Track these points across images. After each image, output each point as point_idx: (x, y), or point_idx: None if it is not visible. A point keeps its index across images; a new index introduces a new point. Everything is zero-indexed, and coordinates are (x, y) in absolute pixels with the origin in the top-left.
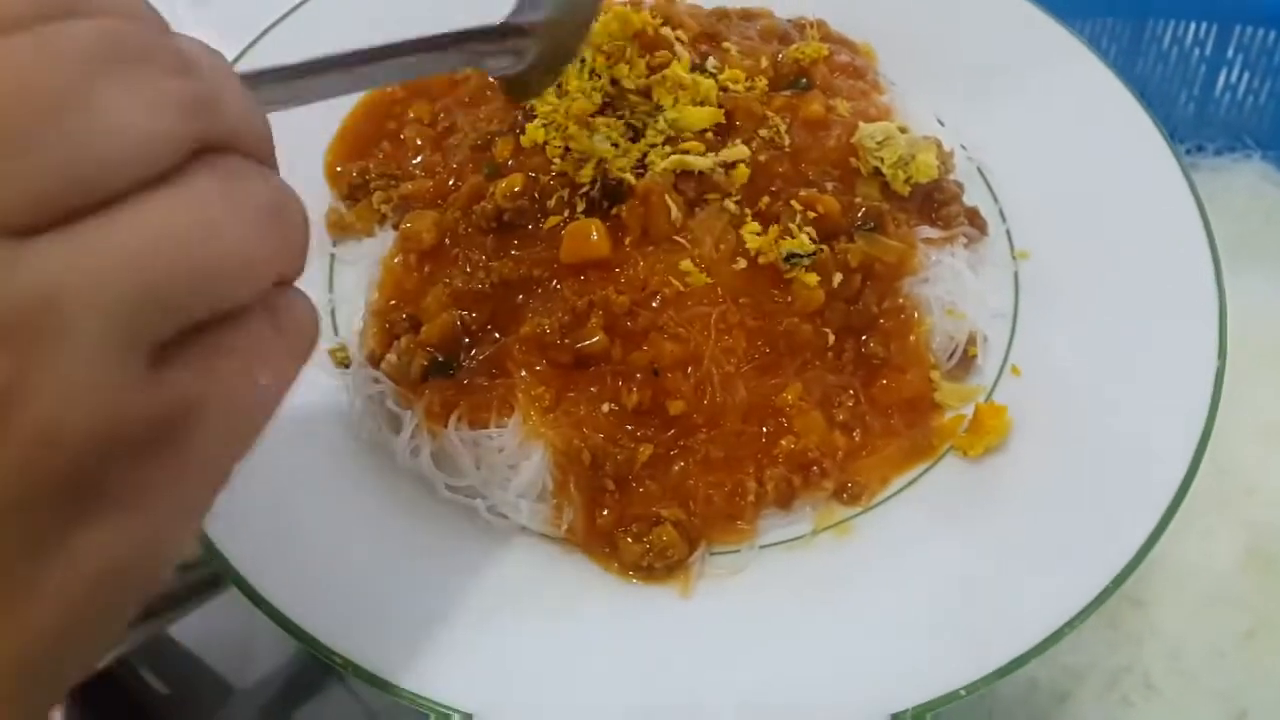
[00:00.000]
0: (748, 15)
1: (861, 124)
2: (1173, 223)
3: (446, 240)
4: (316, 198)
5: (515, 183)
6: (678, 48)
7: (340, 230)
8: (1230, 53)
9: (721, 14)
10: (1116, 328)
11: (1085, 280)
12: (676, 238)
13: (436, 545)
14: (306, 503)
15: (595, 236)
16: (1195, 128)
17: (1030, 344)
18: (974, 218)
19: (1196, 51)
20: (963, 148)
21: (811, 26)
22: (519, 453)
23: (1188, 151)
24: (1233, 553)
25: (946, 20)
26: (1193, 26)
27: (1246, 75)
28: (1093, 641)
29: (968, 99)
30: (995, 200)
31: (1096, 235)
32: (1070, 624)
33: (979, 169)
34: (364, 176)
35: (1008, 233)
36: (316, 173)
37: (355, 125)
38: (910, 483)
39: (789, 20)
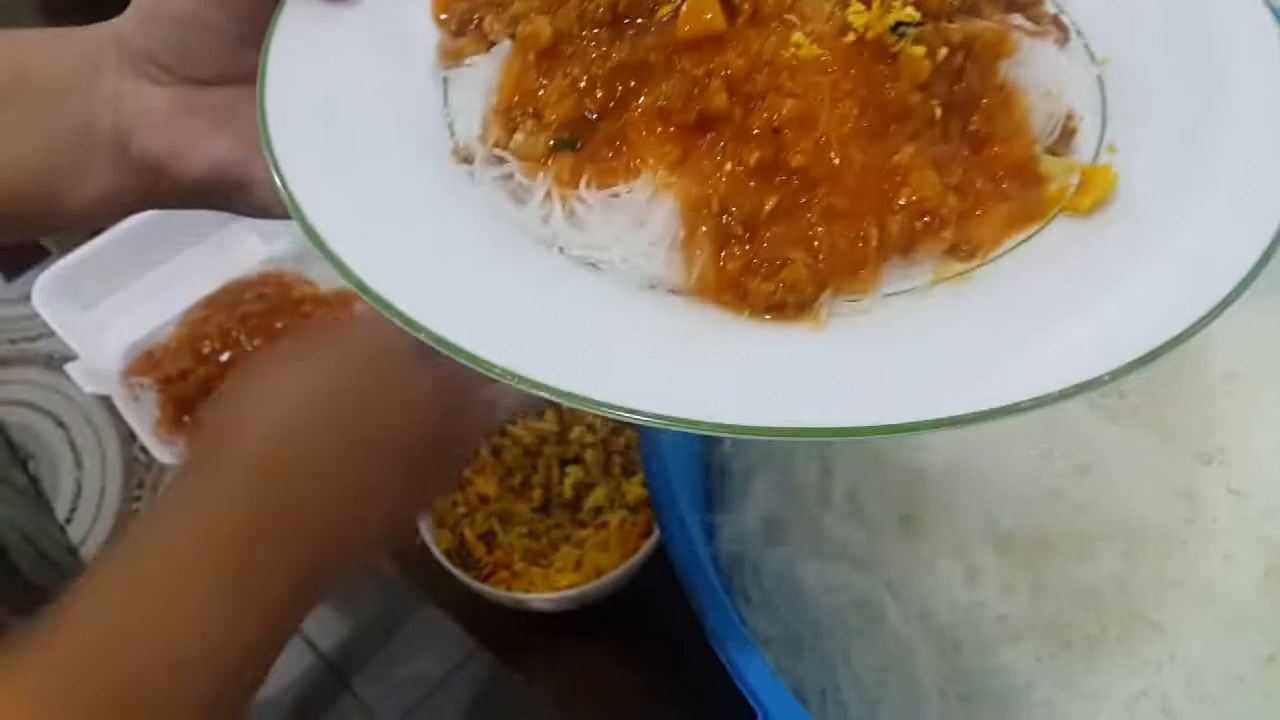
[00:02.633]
0: None
1: None
2: (1250, 32)
3: (563, 42)
4: (429, 38)
5: None
6: None
7: (453, 56)
8: None
9: None
10: (1203, 120)
11: (1167, 84)
12: (787, 16)
13: (574, 296)
14: (449, 261)
15: (710, 13)
16: None
17: (1122, 129)
18: (1057, 22)
19: None
20: None
21: None
22: (649, 205)
23: None
24: (1253, 575)
25: None
26: None
27: None
28: (1109, 666)
29: None
30: (1070, 19)
31: (1174, 49)
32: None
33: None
34: (473, 9)
35: (1086, 46)
36: (425, 15)
37: None
38: (1023, 241)
39: None
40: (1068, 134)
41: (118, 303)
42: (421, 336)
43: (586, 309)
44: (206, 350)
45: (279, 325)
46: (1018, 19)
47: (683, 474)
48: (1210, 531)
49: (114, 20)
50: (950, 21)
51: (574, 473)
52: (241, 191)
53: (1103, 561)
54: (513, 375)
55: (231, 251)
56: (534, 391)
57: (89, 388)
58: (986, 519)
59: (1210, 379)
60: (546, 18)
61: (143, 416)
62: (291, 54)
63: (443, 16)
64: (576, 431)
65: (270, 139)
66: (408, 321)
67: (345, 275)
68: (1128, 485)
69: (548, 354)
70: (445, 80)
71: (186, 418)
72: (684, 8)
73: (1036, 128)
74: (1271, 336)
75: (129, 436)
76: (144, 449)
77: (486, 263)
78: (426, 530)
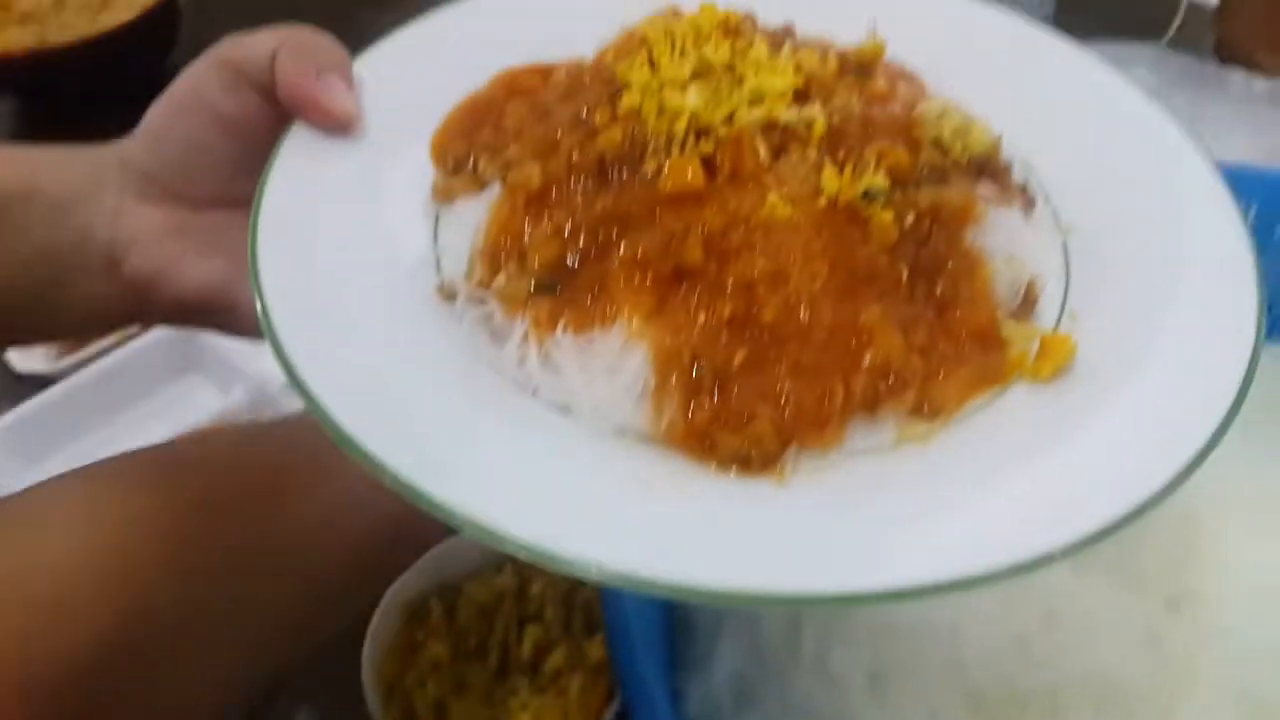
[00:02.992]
0: (809, 38)
1: (921, 101)
2: (1211, 209)
3: (551, 189)
4: (424, 175)
5: (615, 133)
6: (757, 38)
7: (446, 195)
8: None
9: (788, 27)
10: (1166, 280)
11: (1129, 254)
12: (764, 178)
13: (543, 441)
14: (421, 402)
15: (692, 171)
16: None
17: (1084, 296)
18: (1024, 190)
19: None
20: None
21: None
22: (621, 354)
23: None
24: None
25: (966, 49)
26: None
27: None
28: None
29: (999, 113)
30: (1040, 186)
31: (1137, 220)
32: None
33: (1022, 162)
34: (469, 151)
35: (1054, 212)
36: (424, 154)
37: (459, 117)
38: (985, 404)
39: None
40: (1030, 300)
41: (65, 460)
42: (385, 481)
43: (554, 456)
44: None
45: None
46: (985, 188)
47: (646, 632)
48: (1184, 682)
49: (123, 140)
50: (919, 188)
51: (533, 632)
52: (229, 314)
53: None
54: (473, 525)
55: (185, 403)
56: (492, 544)
57: None
58: (956, 672)
59: (1175, 519)
60: (537, 164)
61: None
62: (288, 184)
63: (441, 155)
64: (537, 586)
65: (258, 268)
66: (368, 459)
67: (312, 407)
68: (1095, 636)
69: (509, 503)
70: (437, 217)
71: None
72: (667, 165)
73: (1000, 293)
74: (1233, 475)
75: None
76: None
77: (456, 404)
78: (373, 699)
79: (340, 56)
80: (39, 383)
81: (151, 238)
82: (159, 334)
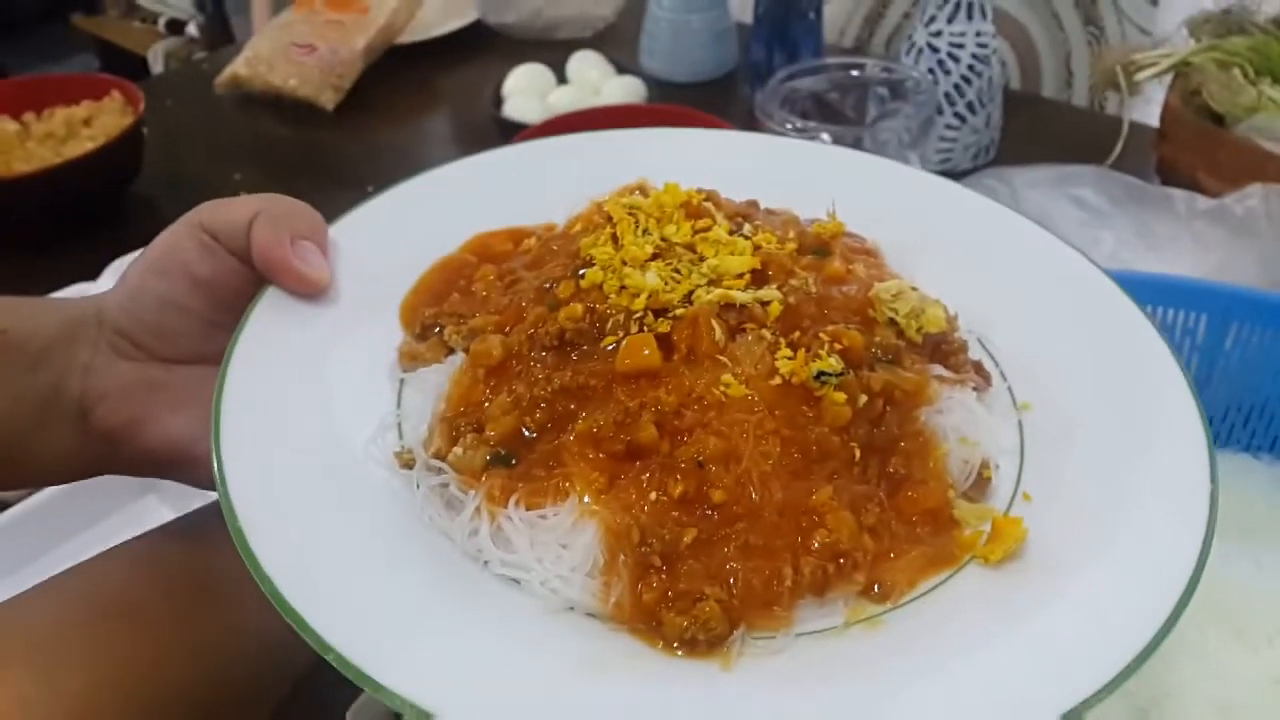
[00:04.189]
0: (771, 211)
1: (877, 282)
2: (1157, 380)
3: (512, 360)
4: (392, 340)
5: (576, 309)
6: (718, 217)
7: (412, 360)
8: None
9: (751, 203)
10: (1117, 460)
11: (1085, 433)
12: (719, 357)
13: (488, 618)
14: (370, 576)
15: (649, 349)
16: None
17: (1038, 476)
18: (979, 369)
19: None
20: (960, 315)
21: (829, 215)
22: (572, 530)
23: None
24: None
25: (930, 224)
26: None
27: None
28: None
29: (958, 287)
30: (995, 363)
31: (1088, 389)
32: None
33: (978, 340)
34: (436, 317)
35: (1009, 389)
36: (393, 320)
37: (429, 281)
38: (935, 586)
39: (808, 220)
40: (983, 481)
41: (24, 579)
42: (329, 658)
43: (500, 635)
44: None
45: None
46: (939, 369)
47: None
48: None
49: (99, 294)
50: (873, 369)
51: None
52: (196, 468)
53: None
54: (416, 710)
55: (142, 524)
56: None
57: None
58: None
59: None
60: (500, 336)
61: None
62: (258, 346)
63: (412, 314)
64: None
65: (219, 428)
66: (312, 636)
67: (260, 580)
68: None
69: (452, 686)
70: (402, 381)
71: None
72: (624, 343)
73: (953, 473)
74: (1210, 581)
75: None
76: None
77: (405, 580)
78: None
79: (316, 223)
80: None
81: (122, 392)
82: None
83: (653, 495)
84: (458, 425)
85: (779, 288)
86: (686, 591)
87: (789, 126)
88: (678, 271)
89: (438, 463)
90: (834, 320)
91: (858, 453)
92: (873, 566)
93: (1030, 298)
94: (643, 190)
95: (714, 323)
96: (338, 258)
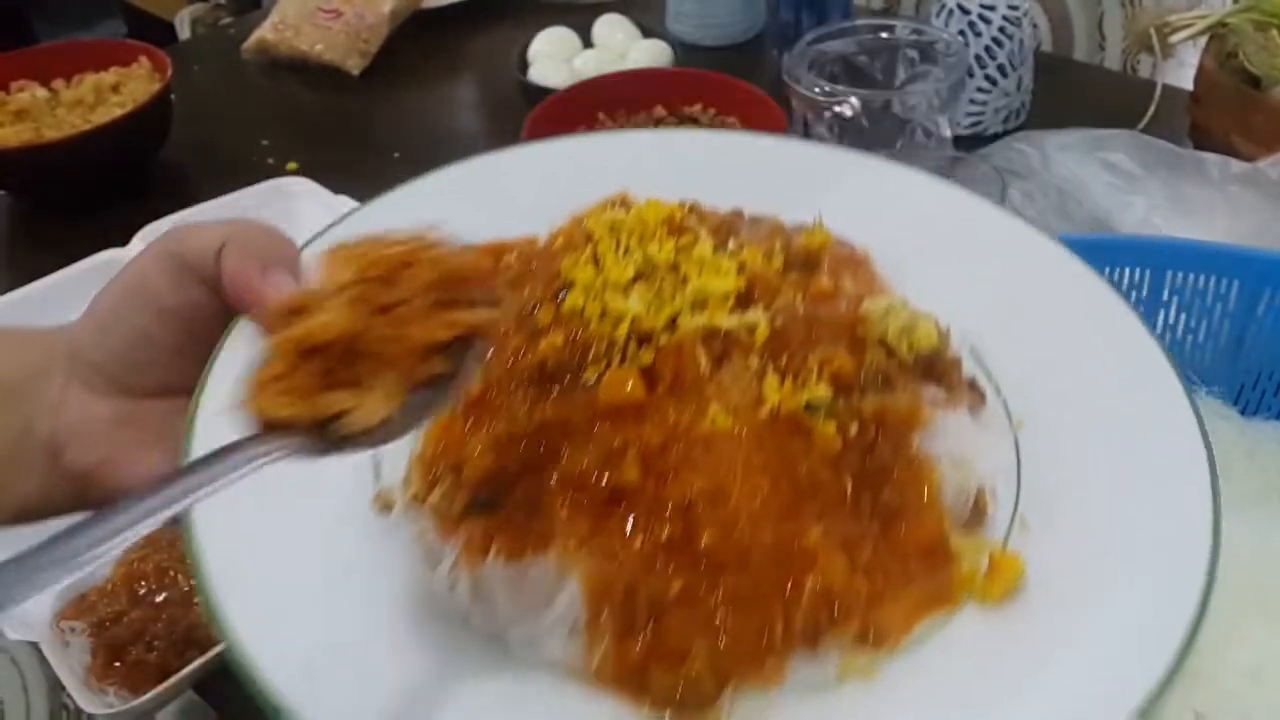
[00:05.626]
0: (756, 220)
1: (866, 298)
2: (1159, 398)
3: (491, 394)
4: None
5: (557, 338)
6: (702, 233)
7: None
8: (1165, 295)
9: (736, 213)
10: (1116, 483)
11: (1081, 449)
12: (705, 387)
13: (467, 676)
14: (344, 630)
15: (631, 383)
16: None
17: (1036, 500)
18: (973, 386)
19: (1133, 295)
20: (954, 327)
21: (816, 224)
22: (554, 584)
23: None
24: None
25: (927, 228)
26: (1127, 272)
27: (1182, 316)
28: None
29: (953, 296)
30: (990, 377)
31: (1086, 404)
32: None
33: (971, 349)
34: None
35: (1004, 403)
36: None
37: None
38: (932, 630)
39: (794, 225)
40: (980, 510)
41: None
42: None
43: (480, 696)
44: (143, 591)
45: None
46: (931, 390)
47: None
48: None
49: (69, 325)
50: (863, 395)
51: None
52: None
53: None
54: None
55: None
56: None
57: (15, 634)
58: None
59: None
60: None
61: (72, 663)
62: (231, 379)
63: None
64: None
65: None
66: (282, 708)
67: (224, 637)
68: None
69: None
70: None
71: (118, 664)
72: (605, 376)
73: (949, 500)
74: (1233, 546)
75: (56, 685)
76: (71, 698)
77: (382, 645)
78: None
79: (288, 250)
80: None
81: (93, 431)
82: None
83: (639, 541)
84: (436, 465)
85: (765, 309)
86: (673, 648)
87: (817, 90)
88: (660, 293)
89: (415, 509)
90: (822, 342)
91: (849, 485)
92: (866, 608)
93: (1025, 304)
94: (625, 203)
95: (698, 351)
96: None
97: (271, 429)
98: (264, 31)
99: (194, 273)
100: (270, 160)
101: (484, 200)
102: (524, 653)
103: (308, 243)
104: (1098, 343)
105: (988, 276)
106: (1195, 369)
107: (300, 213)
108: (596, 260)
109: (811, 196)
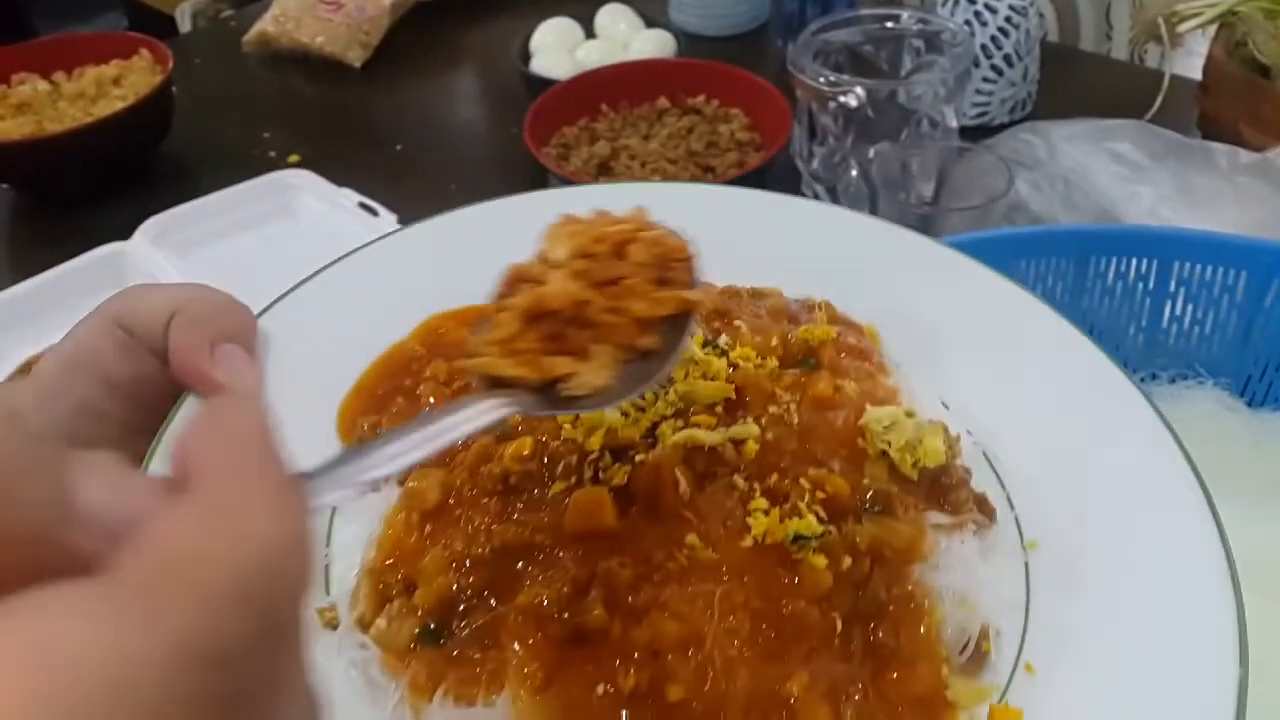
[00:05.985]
0: (757, 294)
1: (869, 407)
2: (1177, 508)
3: (451, 500)
4: (327, 450)
5: (524, 446)
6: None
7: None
8: (1172, 286)
9: (733, 292)
10: (1130, 621)
11: (1097, 569)
12: (684, 512)
13: None
14: None
15: (601, 508)
16: (1146, 358)
17: (1044, 639)
18: (982, 504)
19: (1140, 286)
20: (969, 433)
21: (819, 308)
22: None
23: (1142, 380)
24: None
25: (945, 305)
26: (1134, 262)
27: (1189, 307)
28: None
29: (964, 378)
30: (1002, 487)
31: (1097, 516)
32: None
33: (984, 454)
34: (376, 429)
35: (1016, 519)
36: (330, 425)
37: (372, 381)
38: None
39: (796, 300)
40: (981, 654)
41: None
42: None
43: None
44: None
45: None
46: (935, 516)
47: None
48: None
49: (15, 387)
50: (859, 521)
51: None
52: None
53: None
54: None
55: None
56: None
57: None
58: None
59: None
60: (439, 474)
61: None
62: None
63: (352, 422)
64: None
65: None
66: None
67: None
68: None
69: None
70: (334, 510)
71: None
72: (573, 498)
73: (948, 641)
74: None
75: None
76: None
77: None
78: None
79: (242, 322)
80: None
81: None
82: None
83: (600, 689)
84: (388, 578)
85: (756, 418)
86: None
87: (822, 80)
88: (641, 395)
89: (361, 637)
90: (817, 458)
91: (839, 623)
92: None
93: (1040, 397)
94: None
95: (678, 473)
96: (271, 353)
97: (498, 388)
98: (265, 24)
99: (142, 342)
100: (272, 153)
101: (455, 260)
102: None
103: (264, 311)
104: (1122, 452)
105: (1000, 361)
106: (1202, 360)
107: (302, 206)
108: None
109: (812, 259)
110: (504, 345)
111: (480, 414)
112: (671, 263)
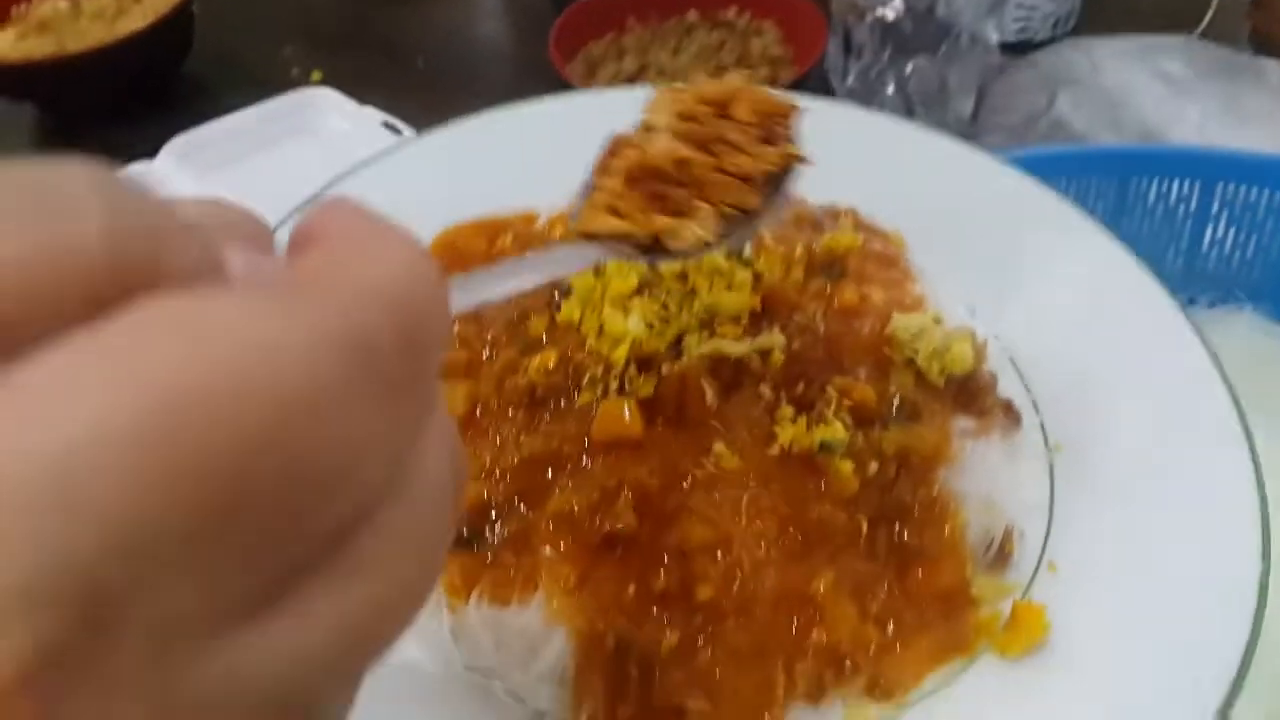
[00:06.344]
0: None
1: (896, 315)
2: (1204, 409)
3: (478, 412)
4: None
5: (549, 359)
6: None
7: None
8: (1215, 208)
9: None
10: (1154, 523)
11: (1121, 471)
12: (710, 421)
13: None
14: None
15: (628, 417)
16: (1185, 281)
17: (1067, 539)
18: (1008, 410)
19: (1181, 208)
20: (996, 338)
21: (844, 214)
22: (540, 635)
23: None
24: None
25: (970, 207)
26: (1176, 184)
27: (1231, 230)
28: None
29: (995, 286)
30: (1028, 391)
31: (1129, 424)
32: None
33: (1011, 359)
34: None
35: (1041, 425)
36: None
37: None
38: (946, 681)
39: (821, 207)
40: (1005, 554)
41: None
42: None
43: None
44: None
45: None
46: (961, 422)
47: None
48: None
49: None
50: (885, 428)
51: None
52: None
53: None
54: None
55: None
56: None
57: None
58: None
59: None
60: (465, 386)
61: None
62: None
63: None
64: None
65: None
66: None
67: None
68: None
69: None
70: None
71: None
72: (600, 408)
73: (972, 542)
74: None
75: None
76: None
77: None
78: None
79: (259, 233)
80: None
81: None
82: None
83: (631, 589)
84: None
85: (782, 327)
86: (666, 708)
87: None
88: (666, 307)
89: None
90: (844, 366)
91: (864, 525)
92: (876, 660)
93: (1072, 306)
94: None
95: (705, 383)
96: None
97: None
98: None
99: None
100: (294, 71)
101: (475, 167)
102: (509, 703)
103: (279, 225)
104: (1154, 364)
105: (1032, 267)
106: (1242, 285)
107: (325, 125)
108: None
109: (841, 165)
110: (607, 207)
111: (582, 254)
112: (775, 119)
